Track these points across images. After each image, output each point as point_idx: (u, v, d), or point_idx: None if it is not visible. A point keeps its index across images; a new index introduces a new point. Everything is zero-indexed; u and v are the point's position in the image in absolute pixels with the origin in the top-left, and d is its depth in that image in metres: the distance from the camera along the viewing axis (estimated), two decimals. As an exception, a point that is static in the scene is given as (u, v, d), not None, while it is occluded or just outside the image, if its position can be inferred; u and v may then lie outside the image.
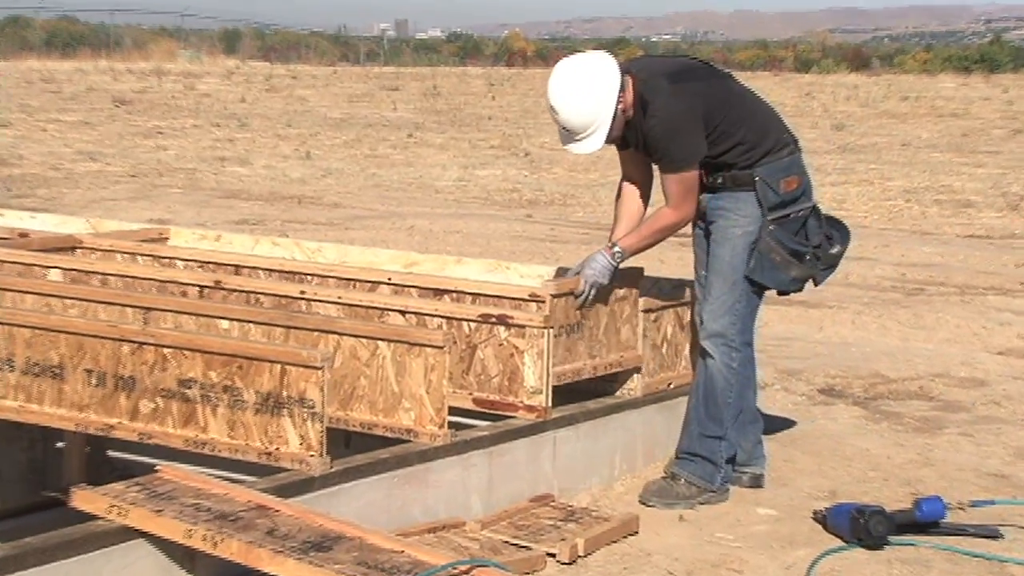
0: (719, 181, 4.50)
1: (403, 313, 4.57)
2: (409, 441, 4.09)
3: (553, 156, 18.63)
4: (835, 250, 4.61)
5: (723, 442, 4.55)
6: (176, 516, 3.32)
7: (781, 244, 4.48)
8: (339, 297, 4.69)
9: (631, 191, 4.63)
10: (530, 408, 4.44)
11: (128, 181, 15.07)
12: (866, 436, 5.54)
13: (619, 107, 4.36)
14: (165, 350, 3.97)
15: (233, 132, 20.73)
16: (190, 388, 3.92)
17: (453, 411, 4.29)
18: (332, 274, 5.09)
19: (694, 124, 4.36)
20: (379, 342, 4.15)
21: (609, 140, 4.40)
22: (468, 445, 4.19)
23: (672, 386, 4.95)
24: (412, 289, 4.91)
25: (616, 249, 4.48)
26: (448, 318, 4.52)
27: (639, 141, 4.45)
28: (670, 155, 4.37)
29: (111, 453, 5.08)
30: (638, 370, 4.78)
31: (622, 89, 4.36)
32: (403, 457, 4.00)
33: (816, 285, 4.67)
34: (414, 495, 3.99)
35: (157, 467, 3.68)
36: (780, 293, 4.64)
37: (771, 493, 4.73)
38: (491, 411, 4.50)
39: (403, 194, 14.62)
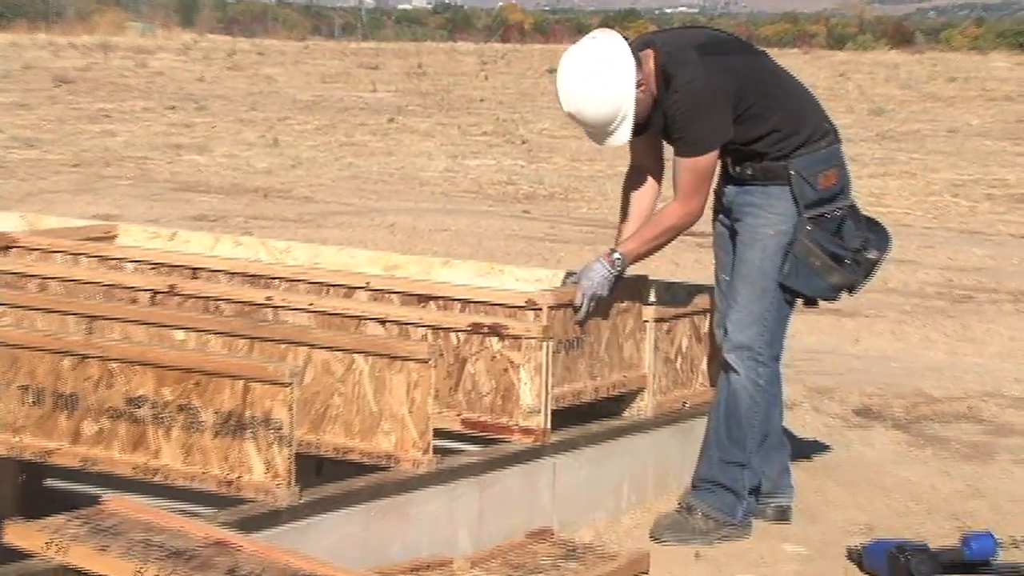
0: (748, 172, 4.50)
1: (383, 322, 4.57)
2: (389, 468, 4.09)
3: (553, 144, 18.65)
4: (872, 255, 4.60)
5: (746, 470, 4.56)
6: (123, 554, 3.32)
7: (820, 246, 4.48)
8: (310, 304, 4.69)
9: (641, 183, 4.64)
10: (526, 431, 4.44)
11: (70, 171, 15.07)
12: (908, 463, 5.56)
13: (639, 90, 4.37)
14: (111, 364, 3.97)
15: (190, 116, 20.74)
16: (140, 407, 3.92)
17: (439, 434, 4.29)
18: (302, 278, 5.09)
19: (721, 103, 4.36)
20: (355, 355, 4.15)
21: (637, 125, 4.41)
22: (455, 473, 4.19)
23: (687, 405, 4.95)
24: (393, 295, 4.91)
25: (616, 255, 4.48)
26: (434, 328, 4.52)
27: (660, 121, 4.46)
28: (688, 135, 4.37)
29: (49, 482, 5.07)
30: (643, 390, 4.77)
31: (638, 67, 4.37)
32: (382, 486, 4.00)
33: (851, 294, 4.67)
34: (394, 529, 3.99)
35: (102, 498, 3.68)
36: (807, 304, 4.63)
37: (799, 528, 4.73)
38: (482, 434, 4.51)
39: (383, 187, 14.63)
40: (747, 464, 4.56)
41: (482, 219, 12.25)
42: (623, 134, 4.40)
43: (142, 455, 3.94)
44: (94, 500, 3.71)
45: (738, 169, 4.51)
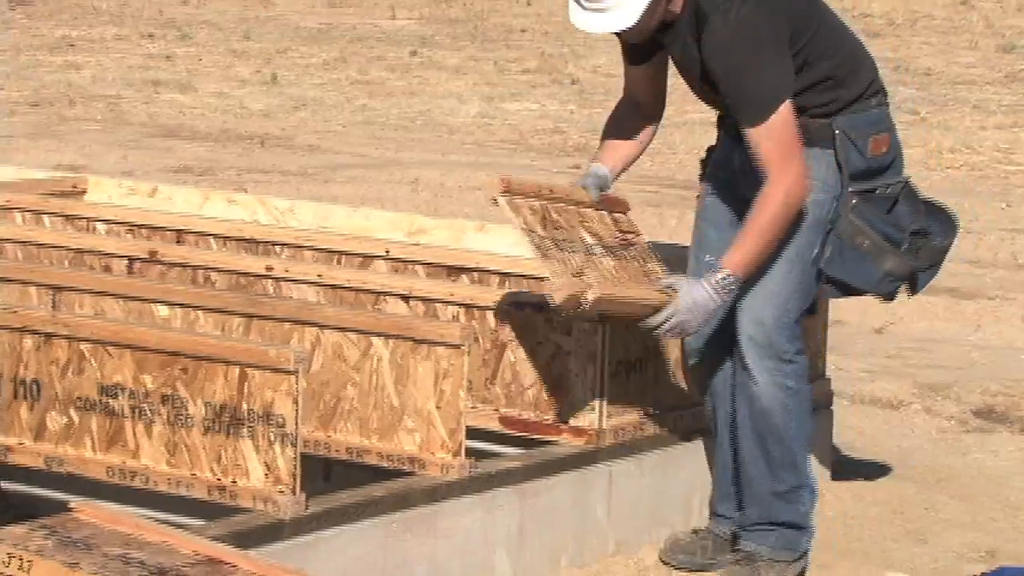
0: None
1: (406, 298, 4.60)
2: (413, 473, 4.13)
3: (609, 85, 18.60)
4: (937, 242, 4.50)
5: (805, 490, 4.46)
6: (97, 571, 3.37)
7: (870, 224, 4.36)
8: (319, 276, 4.73)
9: (633, 117, 4.51)
10: (578, 431, 4.47)
11: (28, 111, 15.16)
12: (1039, 476, 5.56)
13: None
14: (82, 345, 4.01)
15: (171, 46, 20.79)
16: (116, 398, 3.97)
17: (473, 434, 4.33)
18: (309, 244, 5.13)
19: (776, 44, 4.24)
20: (373, 338, 4.19)
21: (640, 26, 4.21)
22: (492, 480, 4.23)
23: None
24: (418, 266, 4.94)
25: (725, 276, 4.22)
26: (467, 306, 4.55)
27: (686, 61, 4.34)
28: (746, 95, 4.24)
29: (6, 485, 5.14)
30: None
31: None
32: (404, 495, 4.04)
33: (913, 292, 4.55)
34: (418, 547, 4.03)
35: (71, 504, 3.73)
36: (846, 294, 4.49)
37: (907, 552, 4.75)
38: (524, 434, 4.54)
39: (404, 134, 14.65)
40: (806, 483, 4.46)
41: (523, 174, 12.23)
42: (620, 16, 4.17)
43: (118, 454, 3.99)
44: (62, 507, 3.75)
45: None
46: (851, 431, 5.86)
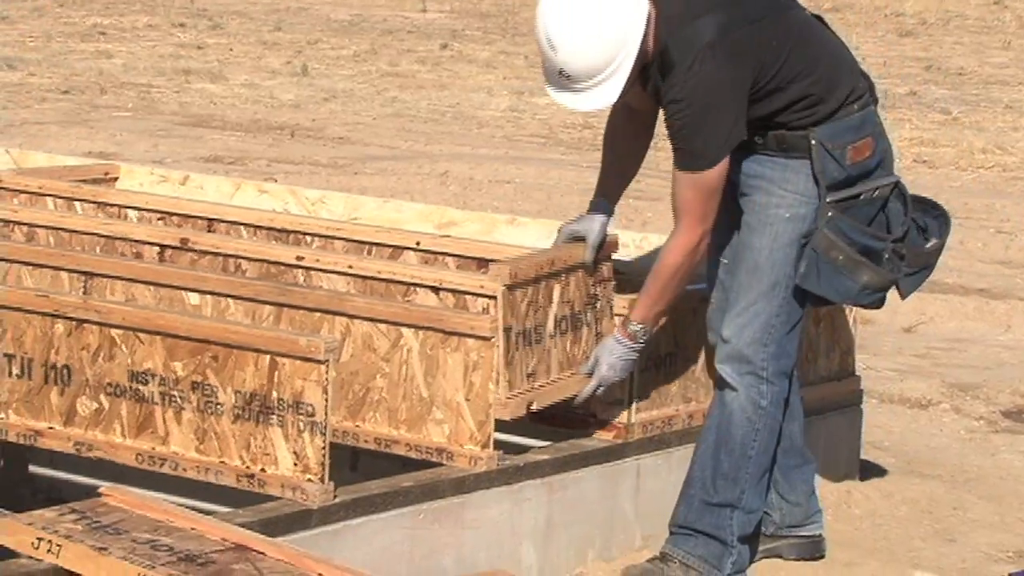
0: (758, 141, 4.32)
1: (436, 290, 4.60)
2: (441, 464, 4.14)
3: (641, 80, 18.58)
4: (930, 244, 4.43)
5: (737, 512, 4.37)
6: (126, 556, 3.39)
7: (846, 237, 4.28)
8: (349, 266, 4.73)
9: (627, 121, 4.49)
10: (607, 425, 4.47)
11: (59, 98, 15.20)
12: (1068, 478, 5.54)
13: (643, 46, 4.18)
14: (113, 331, 4.03)
15: (202, 35, 20.83)
16: (146, 384, 3.98)
17: (501, 426, 4.33)
18: (340, 235, 5.13)
19: (733, 102, 4.19)
20: (403, 329, 4.19)
21: (624, 93, 4.21)
22: (520, 473, 4.23)
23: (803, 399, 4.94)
24: (448, 258, 4.94)
25: (635, 327, 4.33)
26: (497, 298, 4.55)
27: (655, 97, 4.31)
28: (691, 145, 4.21)
29: (35, 469, 5.16)
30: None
31: (647, 21, 4.19)
32: (432, 486, 4.04)
33: (903, 296, 4.49)
34: (446, 538, 4.04)
35: (100, 489, 3.75)
36: (820, 304, 4.45)
37: (934, 552, 4.74)
38: (553, 427, 4.54)
39: (434, 127, 14.66)
40: (739, 505, 4.36)
41: (552, 169, 12.25)
42: (600, 96, 4.19)
43: (148, 440, 4.00)
44: (91, 492, 3.77)
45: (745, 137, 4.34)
46: (880, 430, 5.86)
